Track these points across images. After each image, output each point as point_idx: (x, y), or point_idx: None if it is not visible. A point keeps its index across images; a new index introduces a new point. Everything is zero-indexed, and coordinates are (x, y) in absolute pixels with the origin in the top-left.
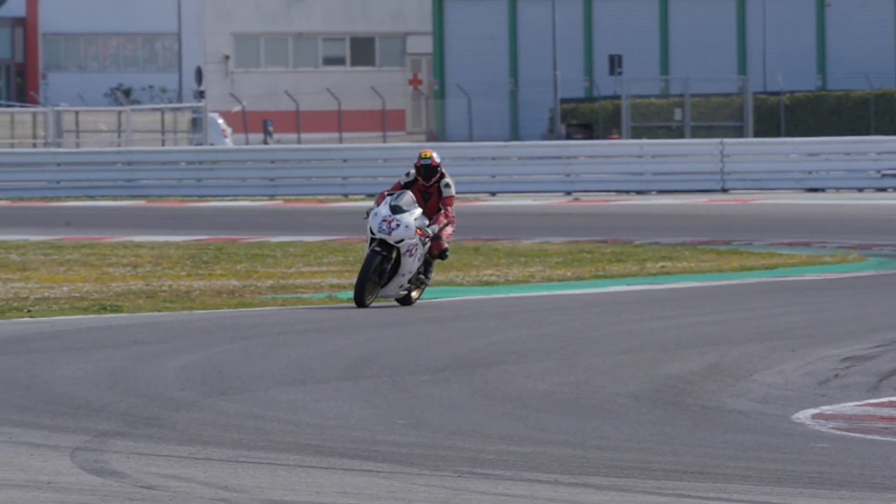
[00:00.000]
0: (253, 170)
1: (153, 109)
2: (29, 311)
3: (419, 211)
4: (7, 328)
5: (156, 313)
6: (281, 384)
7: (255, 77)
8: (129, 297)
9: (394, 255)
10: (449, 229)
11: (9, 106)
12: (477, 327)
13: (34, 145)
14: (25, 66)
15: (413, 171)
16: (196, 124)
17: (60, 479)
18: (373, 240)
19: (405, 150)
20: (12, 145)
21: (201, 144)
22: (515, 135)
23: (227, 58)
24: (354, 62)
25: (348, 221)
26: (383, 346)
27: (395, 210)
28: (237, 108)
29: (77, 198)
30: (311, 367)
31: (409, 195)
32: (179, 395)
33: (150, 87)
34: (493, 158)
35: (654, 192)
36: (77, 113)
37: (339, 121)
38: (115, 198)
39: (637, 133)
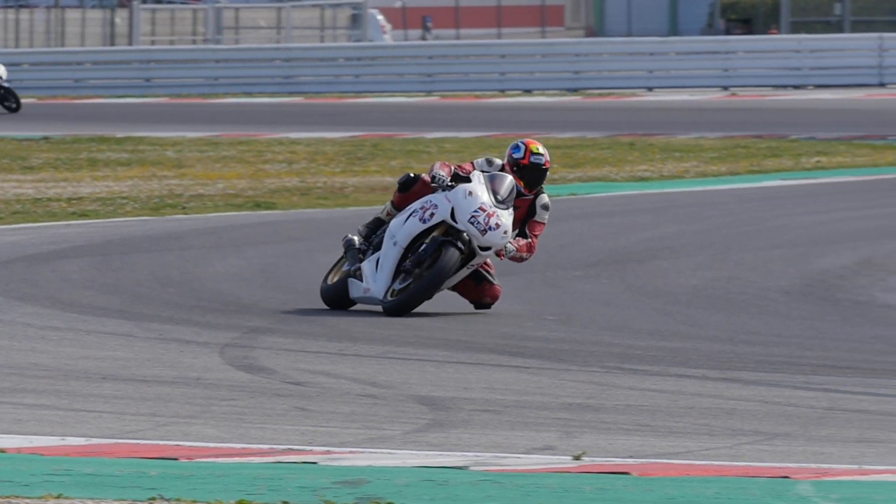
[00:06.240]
0: (411, 66)
1: (313, 6)
2: (183, 207)
3: (512, 215)
4: (161, 225)
5: (310, 210)
6: None
7: None
8: (283, 193)
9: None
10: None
11: (170, 3)
12: (630, 223)
13: (194, 42)
14: None
15: (499, 161)
16: (355, 20)
17: (209, 376)
18: (440, 226)
19: (563, 46)
20: (172, 42)
21: (360, 41)
22: (674, 30)
23: None
24: None
25: (505, 118)
26: None
27: (496, 199)
28: (397, 3)
29: (235, 94)
30: None
31: (512, 184)
32: None
33: None
34: (651, 54)
35: (811, 87)
36: (237, 10)
37: (499, 16)
38: (273, 94)
39: (796, 28)
